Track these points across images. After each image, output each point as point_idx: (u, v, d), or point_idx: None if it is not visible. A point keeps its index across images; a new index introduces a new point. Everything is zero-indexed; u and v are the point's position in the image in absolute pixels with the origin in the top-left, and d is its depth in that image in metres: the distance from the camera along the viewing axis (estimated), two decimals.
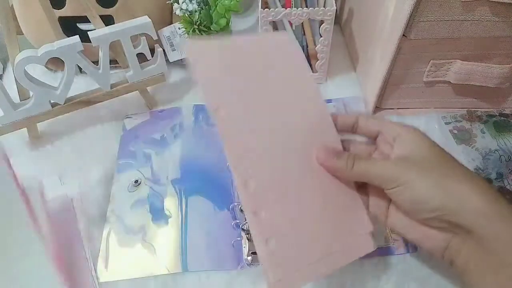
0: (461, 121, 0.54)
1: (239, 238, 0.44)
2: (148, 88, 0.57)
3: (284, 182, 0.33)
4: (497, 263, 0.29)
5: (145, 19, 0.50)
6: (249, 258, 0.42)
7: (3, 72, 0.64)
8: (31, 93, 0.49)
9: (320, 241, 0.33)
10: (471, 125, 0.54)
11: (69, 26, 0.55)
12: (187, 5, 0.54)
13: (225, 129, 0.32)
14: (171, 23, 0.62)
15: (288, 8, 0.53)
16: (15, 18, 0.57)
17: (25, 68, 0.46)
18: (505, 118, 0.54)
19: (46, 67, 0.63)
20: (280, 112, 0.35)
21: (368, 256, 0.42)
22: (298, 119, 0.36)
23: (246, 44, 0.37)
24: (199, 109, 0.57)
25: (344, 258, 0.34)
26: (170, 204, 0.47)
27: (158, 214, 0.46)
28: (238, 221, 0.45)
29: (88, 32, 0.48)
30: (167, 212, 0.46)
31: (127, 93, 0.55)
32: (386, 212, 0.35)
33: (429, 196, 0.31)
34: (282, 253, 0.30)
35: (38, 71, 0.62)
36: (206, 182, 0.49)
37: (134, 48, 0.51)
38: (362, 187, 0.36)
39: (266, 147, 0.33)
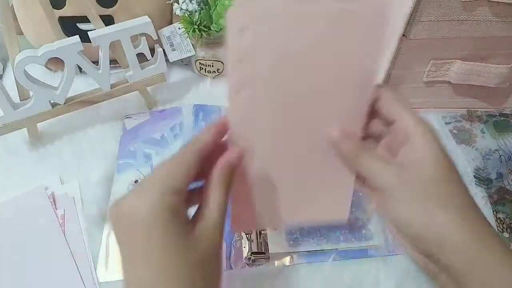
0: (461, 121, 0.54)
1: (239, 238, 0.44)
2: (148, 88, 0.57)
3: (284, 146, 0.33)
4: None
5: (145, 19, 0.50)
6: (250, 258, 0.42)
7: (3, 72, 0.64)
8: (31, 93, 0.49)
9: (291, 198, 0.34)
10: (471, 125, 0.54)
11: (69, 26, 0.55)
12: (187, 5, 0.54)
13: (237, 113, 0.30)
14: (171, 23, 0.62)
15: None
16: (15, 18, 0.56)
17: (25, 68, 0.46)
18: (505, 118, 0.54)
19: (46, 67, 0.63)
20: (309, 107, 0.32)
21: (368, 256, 0.43)
22: (325, 121, 0.33)
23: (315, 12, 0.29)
24: (199, 109, 0.57)
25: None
26: None
27: None
28: None
29: (88, 32, 0.48)
30: None
31: (127, 93, 0.55)
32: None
33: (410, 223, 0.30)
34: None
35: (38, 71, 0.62)
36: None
37: (134, 48, 0.51)
38: None
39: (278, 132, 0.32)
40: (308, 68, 0.31)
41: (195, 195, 0.30)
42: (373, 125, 0.35)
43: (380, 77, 0.52)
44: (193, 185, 0.30)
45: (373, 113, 0.34)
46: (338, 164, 0.34)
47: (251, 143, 0.31)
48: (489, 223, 0.30)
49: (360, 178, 0.35)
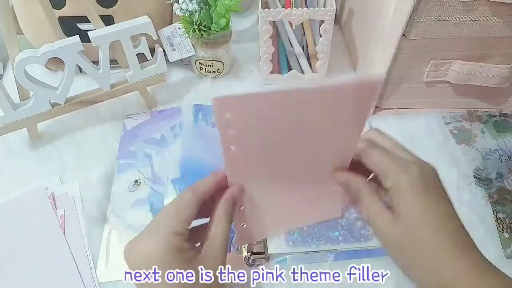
0: (461, 121, 0.54)
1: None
2: (148, 88, 0.57)
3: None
4: None
5: (145, 19, 0.50)
6: (249, 258, 0.42)
7: (3, 72, 0.64)
8: (31, 93, 0.49)
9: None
10: (471, 125, 0.54)
11: (69, 26, 0.55)
12: (187, 5, 0.54)
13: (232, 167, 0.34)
14: (171, 23, 0.62)
15: (288, 8, 0.53)
16: (15, 18, 0.56)
17: (25, 68, 0.46)
18: (505, 118, 0.54)
19: (46, 67, 0.63)
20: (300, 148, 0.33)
21: (368, 256, 0.43)
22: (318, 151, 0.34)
23: (299, 97, 0.30)
24: (198, 109, 0.57)
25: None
26: None
27: None
28: None
29: (88, 32, 0.48)
30: None
31: (127, 93, 0.55)
32: None
33: (405, 271, 0.32)
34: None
35: (38, 71, 0.62)
36: None
37: (134, 48, 0.51)
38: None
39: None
40: (296, 139, 0.33)
41: (198, 233, 0.34)
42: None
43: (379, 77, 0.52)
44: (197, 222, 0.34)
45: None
46: (326, 183, 0.36)
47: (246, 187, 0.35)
48: (485, 259, 0.30)
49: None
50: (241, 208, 0.36)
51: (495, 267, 0.30)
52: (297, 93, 0.29)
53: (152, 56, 0.54)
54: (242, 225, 0.37)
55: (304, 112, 0.31)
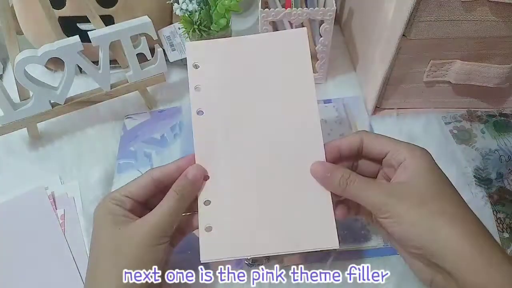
0: (461, 121, 0.54)
1: None
2: (148, 88, 0.57)
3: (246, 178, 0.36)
4: None
5: (145, 19, 0.50)
6: (249, 258, 0.42)
7: (3, 72, 0.64)
8: (31, 93, 0.49)
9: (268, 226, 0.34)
10: (471, 125, 0.54)
11: (69, 26, 0.55)
12: (187, 5, 0.54)
13: (199, 132, 0.37)
14: (171, 23, 0.62)
15: (288, 8, 0.53)
16: (15, 18, 0.56)
17: (25, 68, 0.46)
18: (505, 118, 0.54)
19: (46, 67, 0.63)
20: (265, 118, 0.37)
21: (368, 256, 0.43)
22: (283, 126, 0.36)
23: (249, 44, 0.39)
24: None
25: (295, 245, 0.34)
26: None
27: None
28: None
29: (88, 32, 0.48)
30: None
31: (127, 93, 0.55)
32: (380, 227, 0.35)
33: (415, 234, 0.30)
34: (219, 239, 0.34)
35: (38, 71, 0.62)
36: None
37: (134, 48, 0.51)
38: None
39: (238, 150, 0.36)
40: (254, 93, 0.38)
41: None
42: (363, 165, 0.37)
43: (379, 78, 0.52)
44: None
45: (358, 156, 0.37)
46: (308, 183, 0.35)
47: (214, 162, 0.36)
48: (485, 228, 0.31)
49: (355, 210, 0.37)
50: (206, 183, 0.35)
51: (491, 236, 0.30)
52: (246, 40, 0.39)
53: (152, 56, 0.54)
54: (208, 227, 0.34)
55: (254, 60, 0.38)
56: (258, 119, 0.37)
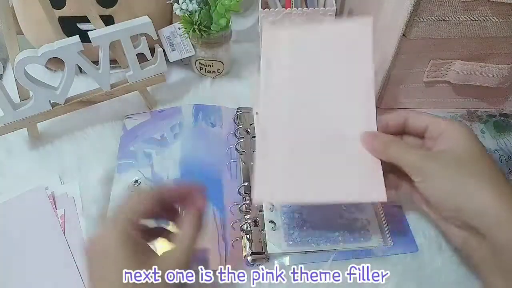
0: (461, 121, 0.54)
1: (238, 238, 0.44)
2: (148, 88, 0.57)
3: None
4: (508, 270, 0.30)
5: (145, 19, 0.50)
6: (250, 258, 0.42)
7: (3, 72, 0.64)
8: (31, 93, 0.49)
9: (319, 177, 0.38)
10: (471, 125, 0.54)
11: (69, 26, 0.55)
12: (187, 5, 0.54)
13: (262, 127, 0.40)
14: (171, 23, 0.62)
15: (288, 8, 0.53)
16: (15, 18, 0.57)
17: (25, 68, 0.46)
18: (505, 118, 0.54)
19: (46, 67, 0.63)
20: (326, 96, 0.41)
21: (368, 256, 0.43)
22: (342, 103, 0.40)
23: (317, 34, 0.43)
24: (198, 109, 0.57)
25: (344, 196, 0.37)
26: None
27: None
28: (237, 221, 0.45)
29: (88, 32, 0.48)
30: None
31: (127, 93, 0.55)
32: (417, 194, 0.37)
33: (449, 196, 0.32)
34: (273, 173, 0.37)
35: (38, 71, 0.62)
36: (206, 182, 0.49)
37: (134, 48, 0.51)
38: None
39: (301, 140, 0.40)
40: (317, 84, 0.41)
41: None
42: (408, 141, 0.40)
43: (379, 78, 0.52)
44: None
45: (402, 132, 0.40)
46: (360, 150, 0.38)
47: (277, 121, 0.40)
48: None
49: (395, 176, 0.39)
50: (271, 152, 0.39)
51: None
52: (314, 29, 0.44)
53: (152, 56, 0.54)
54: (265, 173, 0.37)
55: (319, 48, 0.42)
56: (320, 96, 0.41)
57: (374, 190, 0.36)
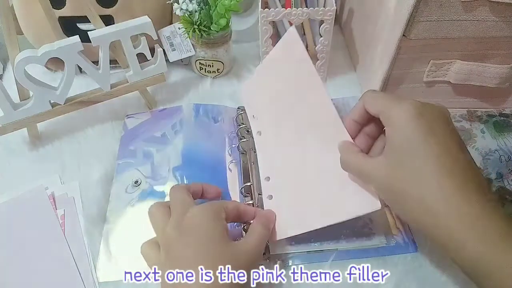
0: (461, 121, 0.54)
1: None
2: (148, 88, 0.57)
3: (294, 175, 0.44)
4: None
5: (145, 19, 0.50)
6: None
7: (3, 72, 0.64)
8: (31, 93, 0.49)
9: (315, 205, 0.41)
10: (471, 125, 0.54)
11: (69, 26, 0.55)
12: (187, 5, 0.54)
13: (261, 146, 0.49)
14: (171, 23, 0.62)
15: (288, 8, 0.53)
16: (15, 18, 0.56)
17: (25, 68, 0.46)
18: (505, 118, 0.54)
19: (46, 67, 0.63)
20: (297, 121, 0.45)
21: (368, 256, 0.43)
22: (311, 121, 0.43)
23: (268, 64, 0.51)
24: (199, 107, 0.57)
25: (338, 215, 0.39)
26: None
27: None
28: None
29: (88, 32, 0.48)
30: None
31: (127, 93, 0.55)
32: None
33: (391, 204, 0.33)
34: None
35: (38, 71, 0.62)
36: (206, 177, 0.49)
37: (134, 48, 0.51)
38: None
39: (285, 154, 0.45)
40: (284, 105, 0.47)
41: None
42: (368, 129, 0.39)
43: (379, 78, 0.52)
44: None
45: (368, 119, 0.38)
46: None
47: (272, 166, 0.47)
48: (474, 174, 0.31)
49: None
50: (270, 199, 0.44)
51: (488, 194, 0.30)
52: (265, 62, 0.52)
53: (152, 56, 0.54)
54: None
55: (275, 76, 0.49)
56: (293, 123, 0.45)
57: (368, 202, 0.36)
